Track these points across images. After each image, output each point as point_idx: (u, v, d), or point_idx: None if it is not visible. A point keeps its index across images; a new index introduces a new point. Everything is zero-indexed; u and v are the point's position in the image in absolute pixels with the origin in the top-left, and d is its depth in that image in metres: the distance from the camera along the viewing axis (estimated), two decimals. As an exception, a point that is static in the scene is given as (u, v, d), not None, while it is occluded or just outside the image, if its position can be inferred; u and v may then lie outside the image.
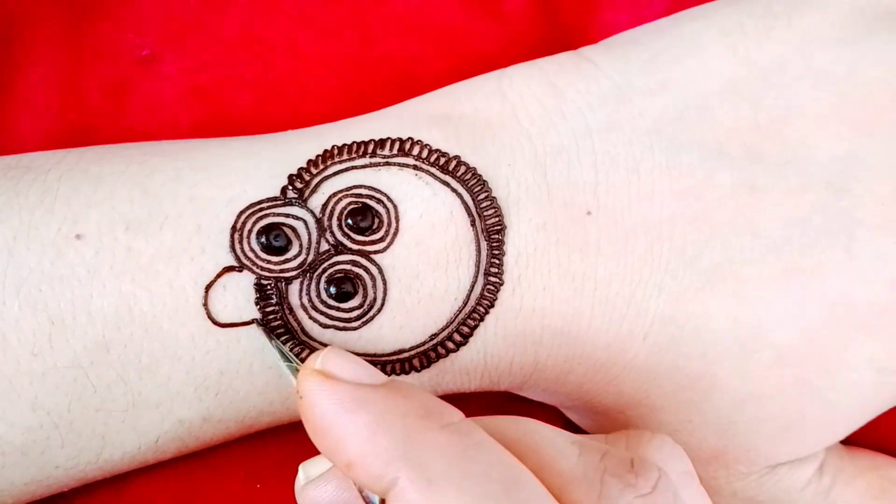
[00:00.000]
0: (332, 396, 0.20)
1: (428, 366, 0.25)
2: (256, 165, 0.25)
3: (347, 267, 0.24)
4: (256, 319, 0.23)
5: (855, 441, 0.30)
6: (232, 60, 0.32)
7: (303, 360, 0.22)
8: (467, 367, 0.25)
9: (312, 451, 0.31)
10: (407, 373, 0.25)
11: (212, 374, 0.24)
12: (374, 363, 0.24)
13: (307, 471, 0.23)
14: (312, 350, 0.24)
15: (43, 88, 0.31)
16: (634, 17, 0.32)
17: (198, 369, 0.24)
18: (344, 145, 0.25)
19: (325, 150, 0.25)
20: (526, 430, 0.21)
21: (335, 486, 0.22)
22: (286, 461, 0.30)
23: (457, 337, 0.25)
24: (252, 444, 0.30)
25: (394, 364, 0.25)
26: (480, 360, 0.25)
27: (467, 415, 0.31)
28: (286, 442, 0.30)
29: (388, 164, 0.25)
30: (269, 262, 0.23)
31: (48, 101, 0.31)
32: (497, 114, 0.26)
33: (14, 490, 0.25)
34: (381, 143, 0.25)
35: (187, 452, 0.26)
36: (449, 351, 0.25)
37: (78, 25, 0.31)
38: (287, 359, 0.22)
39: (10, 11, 0.30)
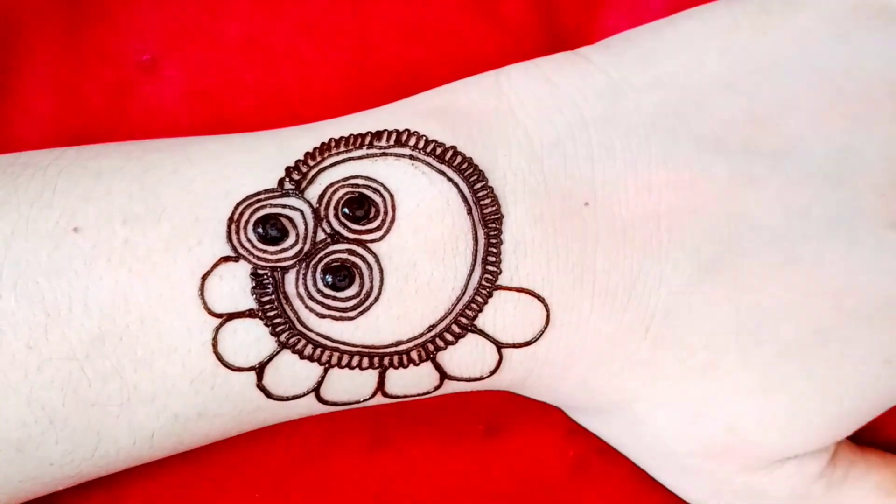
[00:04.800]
0: None
1: (427, 359, 0.25)
2: (254, 160, 0.25)
3: (344, 256, 0.24)
4: None
5: (864, 441, 0.30)
6: (232, 65, 0.32)
7: None
8: (467, 361, 0.25)
9: (311, 463, 0.31)
10: (405, 366, 0.24)
11: (207, 366, 0.23)
12: (372, 355, 0.24)
13: None
14: (309, 340, 0.24)
15: (43, 93, 0.31)
16: (635, 23, 0.32)
17: (193, 361, 0.23)
18: (341, 138, 0.25)
19: (323, 143, 0.25)
20: None
21: None
22: (286, 471, 0.30)
23: (455, 328, 0.24)
24: (251, 453, 0.30)
25: (392, 356, 0.24)
26: (480, 353, 0.25)
27: (470, 417, 0.31)
28: (286, 450, 0.30)
29: (384, 154, 0.25)
30: (265, 251, 0.23)
31: (48, 105, 0.31)
32: (493, 108, 0.26)
33: (9, 488, 0.24)
34: (377, 134, 0.25)
35: (183, 450, 0.26)
36: (448, 343, 0.24)
37: (78, 30, 0.31)
38: None
39: (10, 15, 0.31)
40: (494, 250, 0.24)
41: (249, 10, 0.32)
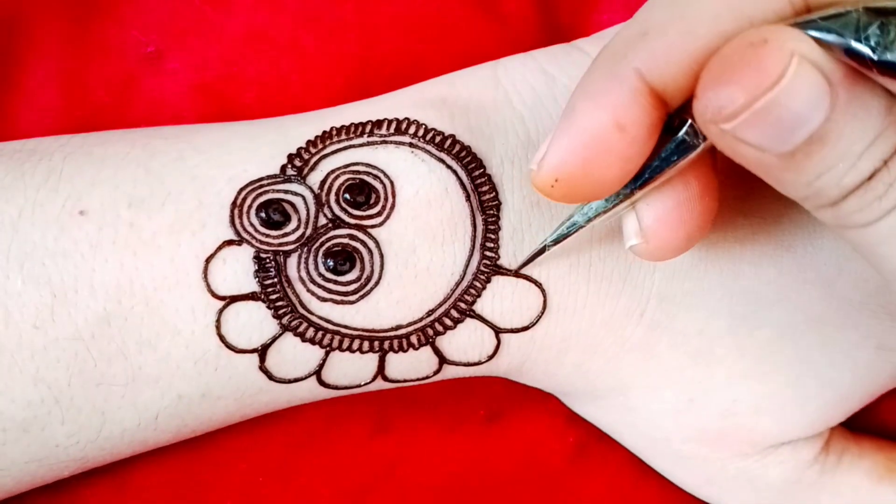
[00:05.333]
0: None
1: (426, 343, 0.25)
2: (257, 147, 0.25)
3: (345, 241, 0.24)
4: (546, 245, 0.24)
5: (857, 427, 0.30)
6: (236, 58, 0.32)
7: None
8: (465, 346, 0.26)
9: (314, 448, 0.31)
10: (405, 350, 0.25)
11: (211, 347, 0.24)
12: (372, 339, 0.25)
13: None
14: (311, 324, 0.24)
15: (47, 85, 0.31)
16: (628, 17, 0.33)
17: (197, 343, 0.24)
18: (342, 126, 0.25)
19: (324, 131, 0.25)
20: None
21: None
22: (288, 455, 0.31)
23: (454, 313, 0.25)
24: (254, 437, 0.30)
25: (392, 340, 0.25)
26: (478, 338, 0.25)
27: (471, 403, 0.31)
28: (289, 435, 0.31)
29: (385, 142, 0.25)
30: (268, 235, 0.24)
31: (53, 97, 0.31)
32: (491, 98, 0.26)
33: (15, 469, 0.25)
34: (378, 123, 0.25)
35: (188, 435, 0.26)
36: (446, 328, 0.25)
37: (83, 22, 0.31)
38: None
39: (15, 8, 0.31)
40: (493, 236, 0.25)
41: (253, 3, 0.32)
